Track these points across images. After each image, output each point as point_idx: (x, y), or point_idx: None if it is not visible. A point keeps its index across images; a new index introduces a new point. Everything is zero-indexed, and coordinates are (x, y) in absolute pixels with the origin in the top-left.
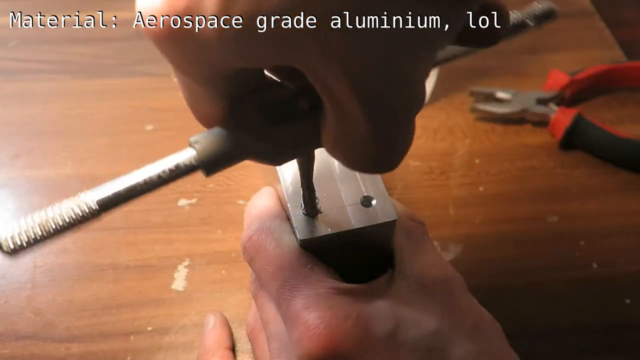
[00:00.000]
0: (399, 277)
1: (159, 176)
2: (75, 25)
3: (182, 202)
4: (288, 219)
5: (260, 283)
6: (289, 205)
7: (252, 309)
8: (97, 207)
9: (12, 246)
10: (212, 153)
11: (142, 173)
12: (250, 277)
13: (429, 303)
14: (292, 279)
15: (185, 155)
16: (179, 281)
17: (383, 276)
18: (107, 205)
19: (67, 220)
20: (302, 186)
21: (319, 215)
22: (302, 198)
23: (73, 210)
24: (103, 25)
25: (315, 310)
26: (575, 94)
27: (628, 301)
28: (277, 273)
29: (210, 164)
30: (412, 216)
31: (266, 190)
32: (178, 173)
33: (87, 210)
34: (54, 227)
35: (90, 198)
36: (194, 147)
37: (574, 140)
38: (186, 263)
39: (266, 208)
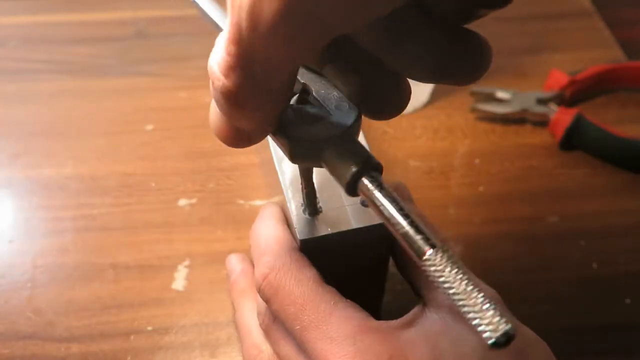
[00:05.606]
0: (431, 308)
1: (400, 208)
2: (75, 25)
3: (182, 202)
4: (288, 221)
5: (280, 321)
6: (288, 205)
7: (251, 334)
8: (433, 250)
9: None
10: (369, 154)
11: (400, 218)
12: (257, 304)
13: (466, 331)
14: (315, 319)
15: (376, 181)
16: (179, 281)
17: (413, 309)
18: (435, 244)
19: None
20: (302, 186)
21: (319, 215)
22: (302, 198)
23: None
24: (103, 25)
25: (344, 353)
26: (575, 94)
27: (628, 301)
28: (299, 313)
29: (377, 161)
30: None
31: (269, 213)
32: (389, 187)
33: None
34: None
35: (428, 252)
36: (372, 167)
37: (574, 140)
38: (186, 263)
39: (276, 238)
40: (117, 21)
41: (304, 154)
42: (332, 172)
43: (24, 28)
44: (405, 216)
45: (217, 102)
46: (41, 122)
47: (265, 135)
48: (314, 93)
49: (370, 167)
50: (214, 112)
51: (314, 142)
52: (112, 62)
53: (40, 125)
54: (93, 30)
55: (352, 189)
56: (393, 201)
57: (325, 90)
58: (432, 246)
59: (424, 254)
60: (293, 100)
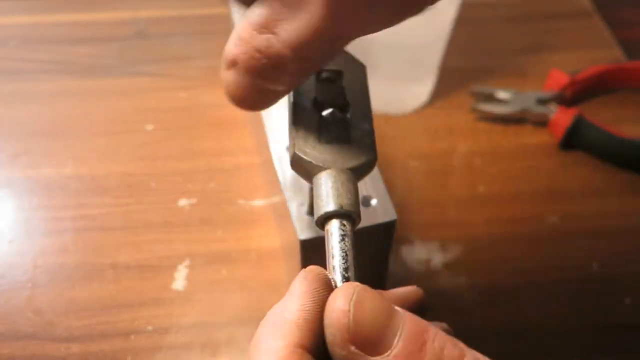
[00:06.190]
0: None
1: (347, 257)
2: (75, 25)
3: (182, 202)
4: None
5: None
6: (289, 205)
7: None
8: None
9: None
10: (353, 203)
11: (342, 268)
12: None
13: None
14: None
15: (343, 227)
16: (179, 281)
17: None
18: None
19: None
20: (309, 187)
21: None
22: (307, 197)
23: None
24: (103, 25)
25: None
26: (575, 94)
27: (628, 301)
28: None
29: (359, 212)
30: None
31: (281, 322)
32: (352, 242)
33: None
34: None
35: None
36: (342, 212)
37: (574, 140)
38: (186, 263)
39: None
40: (117, 21)
41: (300, 167)
42: (314, 198)
43: (24, 28)
44: (344, 278)
45: (258, 63)
46: (41, 122)
47: (284, 95)
48: (349, 115)
49: (345, 215)
50: (236, 75)
51: (312, 163)
52: (112, 62)
53: (40, 125)
54: (93, 30)
55: (320, 224)
56: (344, 259)
57: (359, 119)
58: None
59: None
60: (328, 113)
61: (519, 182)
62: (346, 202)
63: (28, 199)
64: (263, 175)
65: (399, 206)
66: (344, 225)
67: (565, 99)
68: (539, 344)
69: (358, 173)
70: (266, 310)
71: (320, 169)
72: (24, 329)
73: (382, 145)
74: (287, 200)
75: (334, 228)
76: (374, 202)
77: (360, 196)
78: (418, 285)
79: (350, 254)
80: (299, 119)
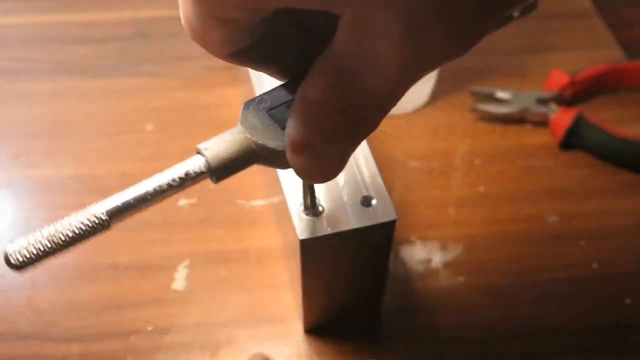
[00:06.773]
0: None
1: (168, 184)
2: (75, 26)
3: (182, 202)
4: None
5: None
6: (289, 205)
7: None
8: (107, 218)
9: (20, 260)
10: (222, 159)
11: (152, 182)
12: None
13: None
14: None
15: (195, 163)
16: (179, 281)
17: None
18: (117, 215)
19: (77, 232)
20: (302, 186)
21: (319, 215)
22: (302, 198)
23: (82, 222)
24: (103, 25)
25: None
26: (576, 94)
27: (628, 301)
28: None
29: (220, 171)
30: None
31: None
32: (187, 181)
33: (97, 221)
34: (62, 239)
35: (100, 209)
36: (204, 154)
37: (574, 140)
38: (186, 263)
39: None
40: (117, 21)
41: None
42: None
43: (24, 28)
44: (158, 186)
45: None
46: (41, 122)
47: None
48: None
49: (204, 157)
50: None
51: (239, 121)
52: (112, 62)
53: (40, 125)
54: (93, 30)
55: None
56: (176, 174)
57: None
58: (99, 212)
59: (93, 207)
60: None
61: (519, 182)
62: (214, 150)
63: (28, 199)
64: (263, 175)
65: (399, 206)
66: (200, 160)
67: (565, 99)
68: (539, 344)
69: (263, 153)
70: (266, 310)
71: (240, 128)
72: (24, 329)
73: (382, 145)
74: (287, 200)
75: (194, 157)
76: (374, 202)
77: (360, 196)
78: (418, 285)
79: (181, 179)
80: (279, 89)
